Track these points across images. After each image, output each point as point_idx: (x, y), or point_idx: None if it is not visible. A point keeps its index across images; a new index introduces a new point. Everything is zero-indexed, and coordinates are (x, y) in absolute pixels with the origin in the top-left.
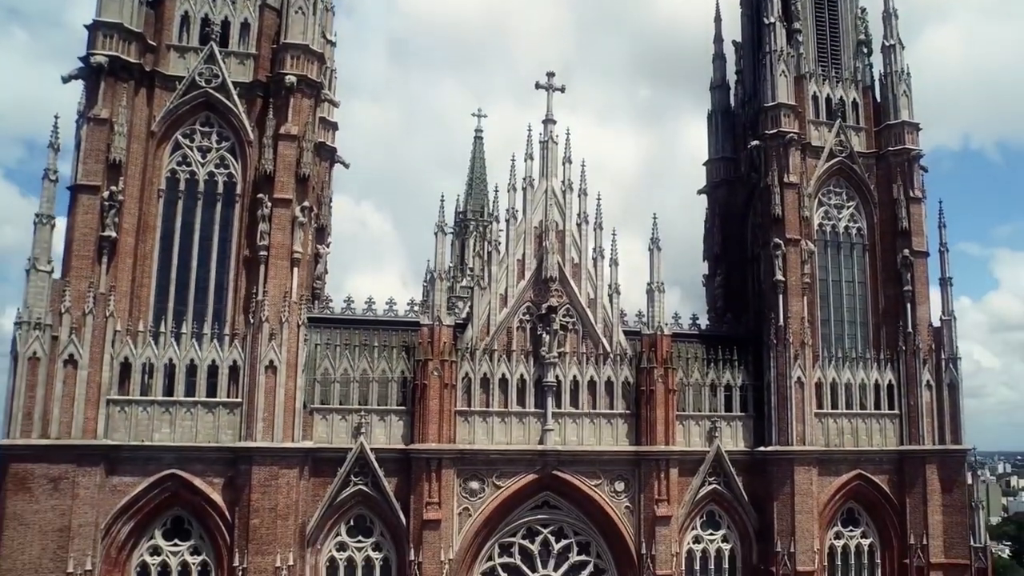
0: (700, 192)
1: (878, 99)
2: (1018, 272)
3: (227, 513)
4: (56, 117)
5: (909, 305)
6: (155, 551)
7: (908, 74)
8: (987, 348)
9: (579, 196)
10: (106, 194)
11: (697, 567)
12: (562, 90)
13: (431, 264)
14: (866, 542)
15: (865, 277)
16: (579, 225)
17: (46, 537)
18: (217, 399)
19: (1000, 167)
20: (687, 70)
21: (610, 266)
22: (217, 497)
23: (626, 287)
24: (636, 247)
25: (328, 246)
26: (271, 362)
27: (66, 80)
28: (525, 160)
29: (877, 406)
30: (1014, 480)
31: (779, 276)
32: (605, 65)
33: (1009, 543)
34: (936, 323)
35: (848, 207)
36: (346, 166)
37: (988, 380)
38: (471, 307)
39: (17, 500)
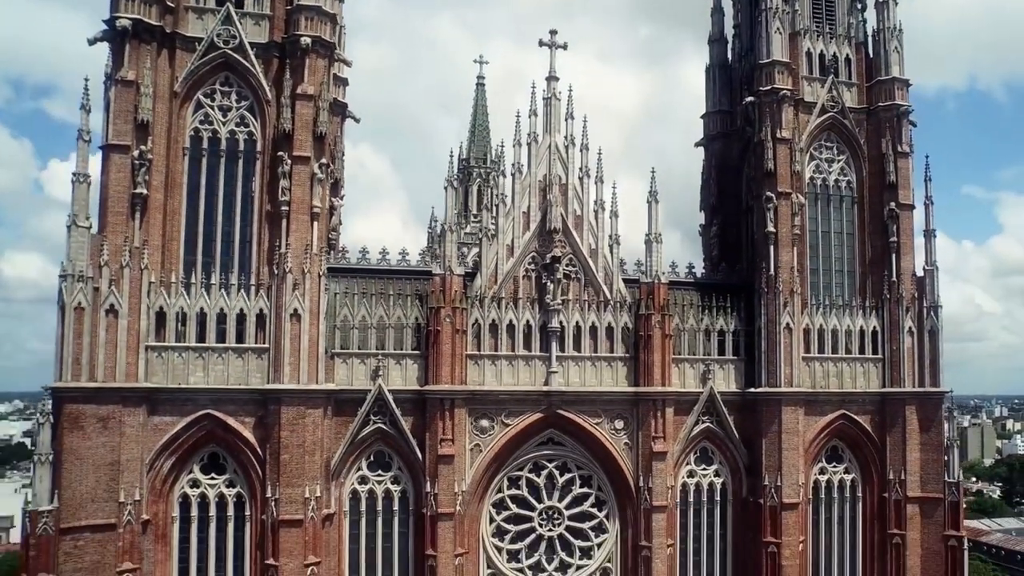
0: (697, 144)
1: (871, 55)
2: (1022, 216)
3: (258, 449)
4: (86, 80)
5: (894, 255)
6: (194, 484)
7: (900, 30)
8: (989, 293)
9: (581, 151)
10: (136, 153)
11: (691, 499)
12: (564, 47)
13: (439, 215)
14: (848, 477)
15: (853, 228)
16: (581, 179)
17: (99, 470)
18: (246, 345)
19: (1007, 108)
20: (688, 10)
21: (610, 218)
22: (249, 435)
23: (626, 228)
24: (636, 187)
25: (342, 198)
26: (295, 310)
27: (92, 42)
28: (529, 116)
29: (861, 351)
30: (1010, 423)
31: (770, 228)
32: (605, 2)
33: (1000, 484)
34: (919, 273)
35: (838, 161)
36: (356, 120)
37: (989, 325)
38: (480, 257)
39: (72, 437)
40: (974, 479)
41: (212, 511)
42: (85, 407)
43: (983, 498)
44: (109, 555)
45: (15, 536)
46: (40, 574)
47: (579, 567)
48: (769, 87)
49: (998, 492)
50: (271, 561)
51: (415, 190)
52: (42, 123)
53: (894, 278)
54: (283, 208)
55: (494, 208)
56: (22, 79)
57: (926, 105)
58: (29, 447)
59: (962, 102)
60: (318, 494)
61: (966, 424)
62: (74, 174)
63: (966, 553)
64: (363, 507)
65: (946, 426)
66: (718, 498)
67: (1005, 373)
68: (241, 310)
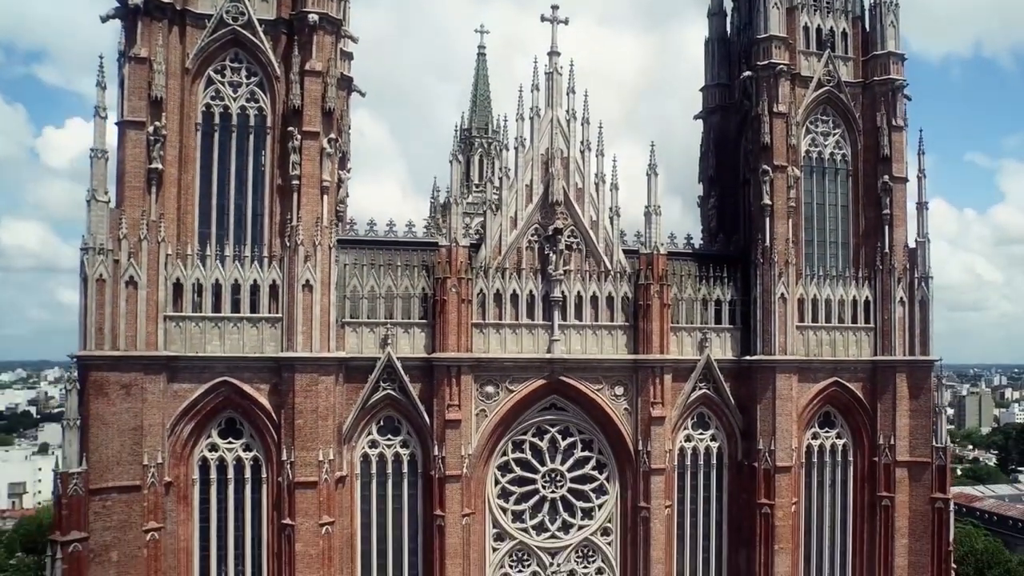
0: (696, 117)
1: (867, 29)
2: None
3: (273, 415)
4: (100, 57)
5: (887, 227)
6: (213, 448)
7: (896, 4)
8: (990, 261)
9: (582, 124)
10: (151, 129)
11: (688, 462)
12: (566, 22)
13: (441, 184)
14: (840, 442)
15: (848, 201)
16: (582, 152)
17: (123, 435)
18: (260, 315)
19: (1012, 75)
20: None
21: (611, 190)
22: (264, 401)
23: (626, 195)
24: (635, 152)
25: (348, 171)
26: (307, 281)
27: (104, 19)
28: (532, 91)
29: (854, 320)
30: (1008, 392)
31: (766, 200)
32: None
33: (996, 452)
34: (912, 244)
35: (834, 134)
36: (362, 95)
37: (990, 294)
38: (484, 229)
39: (98, 403)
40: (971, 447)
41: (230, 474)
42: (109, 374)
43: (979, 465)
44: (135, 514)
45: (28, 502)
46: (72, 531)
47: (581, 527)
48: (766, 62)
49: (994, 460)
50: (287, 521)
51: (413, 158)
52: (35, 89)
53: (887, 249)
54: (294, 182)
55: (498, 181)
56: (12, 44)
57: (931, 72)
58: (35, 415)
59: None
60: (331, 457)
61: (964, 393)
62: (92, 150)
63: (952, 515)
64: (374, 470)
65: (935, 393)
66: (714, 461)
67: (1005, 342)
68: (255, 281)
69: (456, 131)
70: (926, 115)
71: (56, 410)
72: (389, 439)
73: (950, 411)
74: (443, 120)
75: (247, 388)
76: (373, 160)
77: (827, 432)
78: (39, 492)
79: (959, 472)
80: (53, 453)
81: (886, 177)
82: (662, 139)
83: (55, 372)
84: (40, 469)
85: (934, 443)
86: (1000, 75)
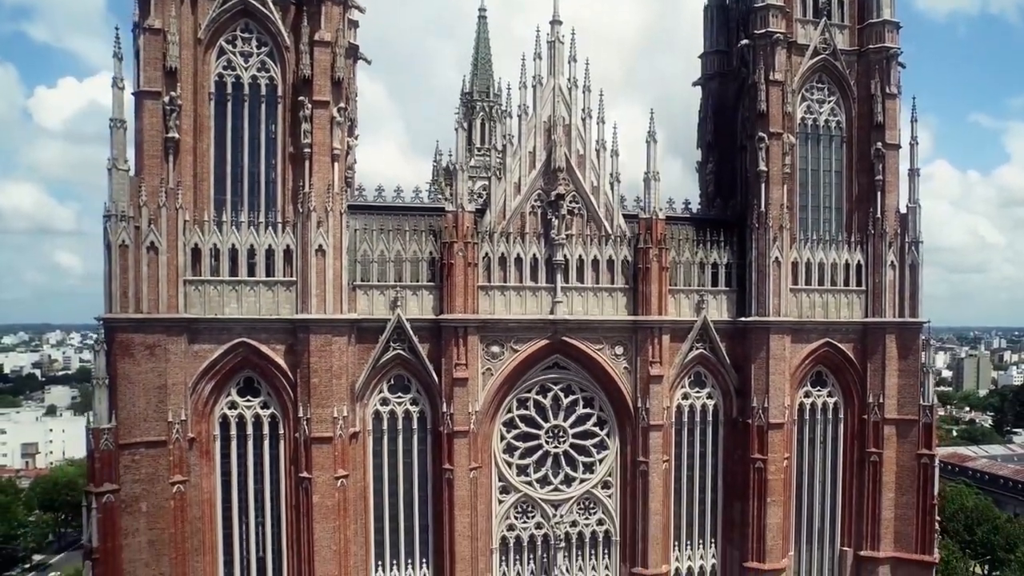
0: (695, 84)
1: None
2: None
3: (290, 374)
4: (116, 29)
5: (879, 193)
6: (232, 405)
7: None
8: (994, 223)
9: (583, 92)
10: (167, 99)
11: (685, 419)
12: None
13: (443, 148)
14: (831, 400)
15: (841, 167)
16: (583, 120)
17: (148, 393)
18: (275, 278)
19: (1020, 31)
20: None
21: (611, 157)
22: (281, 361)
23: (626, 156)
24: (635, 112)
25: (356, 138)
26: (320, 246)
27: None
28: (534, 59)
29: (846, 283)
30: (1008, 355)
31: (762, 167)
32: None
33: (992, 413)
34: (903, 210)
35: (829, 102)
36: (368, 62)
37: (992, 256)
38: (489, 194)
39: (124, 364)
40: (967, 409)
41: (249, 430)
42: (134, 336)
43: (974, 427)
44: (162, 468)
45: (40, 462)
46: (105, 483)
47: (582, 480)
48: (764, 30)
49: (990, 421)
50: (305, 474)
51: (412, 119)
52: (24, 46)
53: (878, 214)
54: (305, 151)
55: (502, 148)
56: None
57: (936, 31)
58: (39, 378)
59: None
60: (345, 414)
61: (963, 355)
62: (111, 120)
63: (936, 470)
64: (385, 426)
65: (923, 353)
66: (710, 418)
67: (1007, 305)
68: (269, 246)
69: (460, 97)
70: (930, 76)
71: (60, 373)
72: (399, 397)
73: (948, 373)
74: (442, 80)
75: (264, 348)
76: (372, 122)
77: (819, 391)
78: (51, 453)
79: (955, 433)
80: (61, 415)
81: (879, 144)
82: (663, 97)
83: (56, 335)
84: (51, 430)
85: (921, 402)
86: (1008, 32)
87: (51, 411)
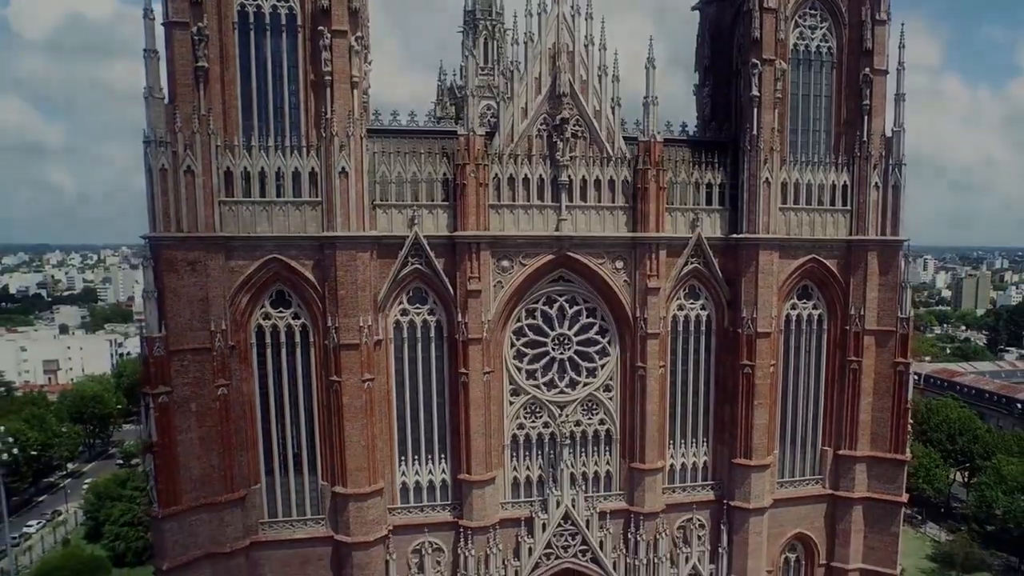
0: (694, 8)
1: None
2: None
3: (318, 287)
4: None
5: (866, 117)
6: (266, 316)
7: None
8: (1002, 139)
9: (586, 19)
10: (195, 29)
11: (680, 328)
12: None
13: (447, 67)
14: (816, 312)
15: (831, 92)
16: (586, 46)
17: (192, 305)
18: (302, 199)
19: None
20: None
21: (612, 82)
22: (310, 275)
23: (628, 72)
24: (636, 26)
25: (370, 63)
26: (343, 168)
27: None
28: None
29: (832, 203)
30: (1008, 275)
31: (755, 92)
32: None
33: (987, 332)
34: (888, 133)
35: (821, 28)
36: None
37: (997, 175)
38: (498, 119)
39: (170, 278)
40: (963, 327)
41: (282, 338)
42: (176, 253)
43: (968, 345)
44: (207, 373)
45: (62, 378)
46: (160, 386)
47: (585, 384)
48: None
49: (984, 340)
50: (335, 377)
51: (409, 32)
52: None
53: (865, 138)
54: (326, 78)
55: (508, 74)
56: None
57: None
58: (46, 298)
59: None
60: (369, 323)
61: (963, 275)
62: (145, 50)
63: (911, 378)
64: (405, 334)
65: (902, 270)
66: (703, 328)
67: (1013, 225)
68: (296, 168)
69: (466, 30)
70: None
71: (65, 293)
72: (418, 307)
73: (947, 293)
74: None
75: (294, 264)
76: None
77: (804, 303)
78: (71, 369)
79: (948, 351)
80: (73, 333)
81: (867, 69)
82: (664, 8)
83: (56, 255)
84: (69, 348)
85: (899, 314)
86: None
87: (63, 330)
